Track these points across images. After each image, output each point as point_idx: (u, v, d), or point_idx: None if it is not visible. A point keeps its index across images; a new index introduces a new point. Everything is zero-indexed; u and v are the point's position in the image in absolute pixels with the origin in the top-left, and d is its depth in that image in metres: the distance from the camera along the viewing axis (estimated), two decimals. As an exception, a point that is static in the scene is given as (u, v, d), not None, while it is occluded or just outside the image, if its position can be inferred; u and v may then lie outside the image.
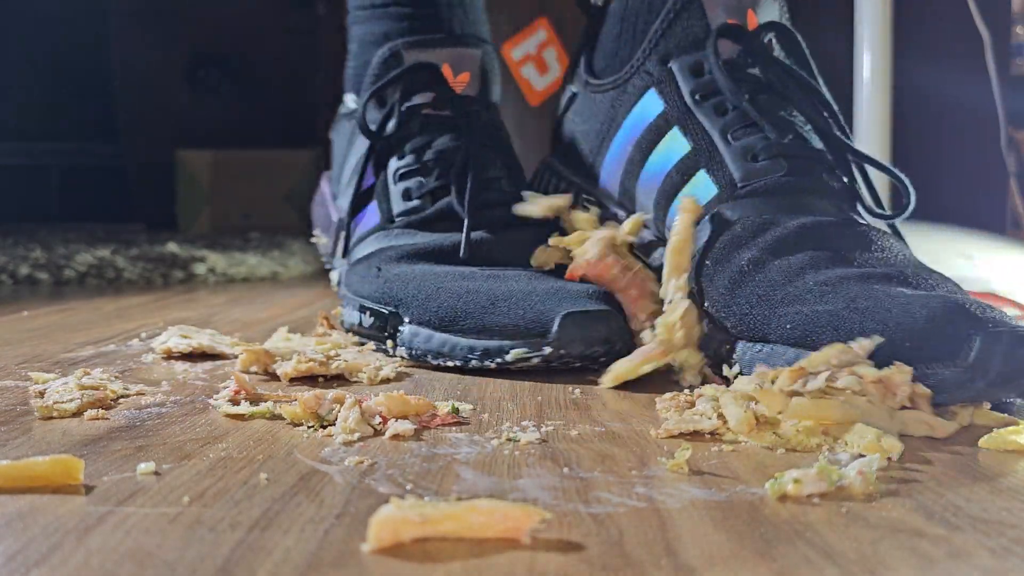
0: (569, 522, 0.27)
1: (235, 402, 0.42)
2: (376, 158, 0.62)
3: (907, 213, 0.51)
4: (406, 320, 0.53)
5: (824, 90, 0.52)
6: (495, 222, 0.58)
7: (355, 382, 0.49)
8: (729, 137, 0.51)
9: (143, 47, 1.95)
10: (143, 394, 0.45)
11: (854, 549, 0.25)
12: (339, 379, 0.49)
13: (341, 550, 0.25)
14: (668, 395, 0.42)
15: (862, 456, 0.34)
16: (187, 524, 0.27)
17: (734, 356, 0.46)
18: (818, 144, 0.51)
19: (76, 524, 0.27)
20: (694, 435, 0.37)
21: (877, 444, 0.34)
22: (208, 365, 0.53)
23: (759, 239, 0.47)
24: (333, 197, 0.72)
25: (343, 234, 0.63)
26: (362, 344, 0.57)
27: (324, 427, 0.38)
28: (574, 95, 0.63)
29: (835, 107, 0.52)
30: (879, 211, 0.51)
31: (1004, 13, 1.18)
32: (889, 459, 0.34)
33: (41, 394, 0.43)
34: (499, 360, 0.48)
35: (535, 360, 0.48)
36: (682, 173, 0.52)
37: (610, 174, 0.58)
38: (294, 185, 1.81)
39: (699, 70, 0.53)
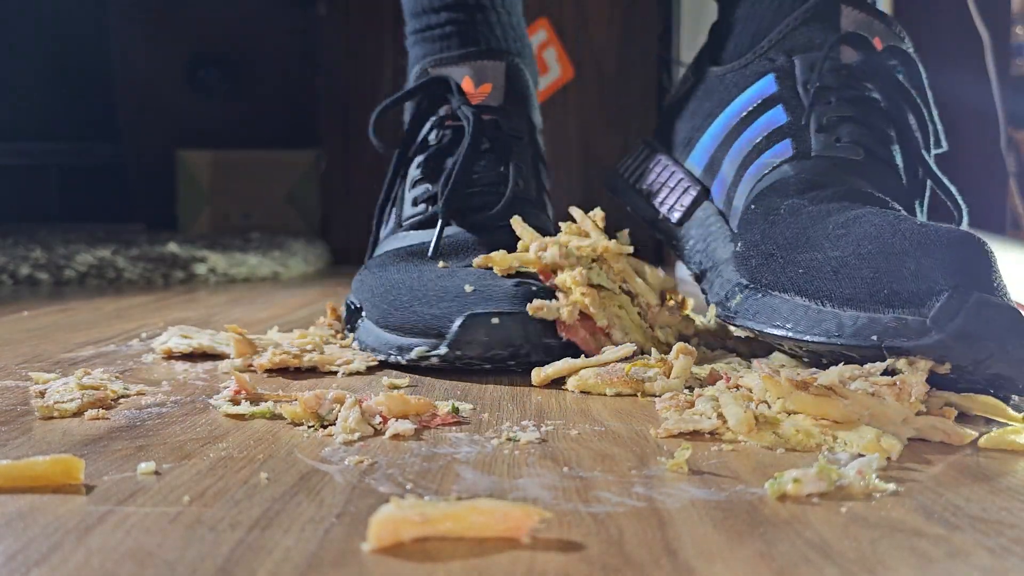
0: (569, 522, 0.27)
1: (235, 402, 0.42)
2: (395, 167, 0.65)
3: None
4: (363, 315, 0.57)
5: (933, 121, 0.56)
6: (478, 224, 0.59)
7: (328, 374, 0.51)
8: (824, 121, 0.54)
9: (144, 47, 1.95)
10: (143, 394, 0.45)
11: (853, 548, 0.25)
12: (313, 371, 0.52)
13: (341, 549, 0.25)
14: (668, 395, 0.42)
15: (861, 456, 0.34)
16: (187, 524, 0.27)
17: (734, 301, 0.50)
18: (898, 158, 0.54)
19: (76, 524, 0.27)
20: (694, 435, 0.38)
21: (876, 444, 0.34)
22: (208, 365, 0.53)
23: (806, 193, 0.51)
24: None
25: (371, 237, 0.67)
26: (345, 337, 0.60)
27: (324, 427, 0.38)
28: (693, 83, 0.65)
29: (936, 138, 0.56)
30: None
31: (1004, 13, 1.18)
32: (889, 459, 0.34)
33: (41, 394, 0.43)
34: (408, 357, 0.50)
35: (433, 359, 0.49)
36: (770, 140, 0.56)
37: (705, 146, 0.61)
38: (294, 185, 1.81)
39: (815, 66, 0.57)
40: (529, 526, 0.26)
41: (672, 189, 0.62)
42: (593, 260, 0.53)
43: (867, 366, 0.39)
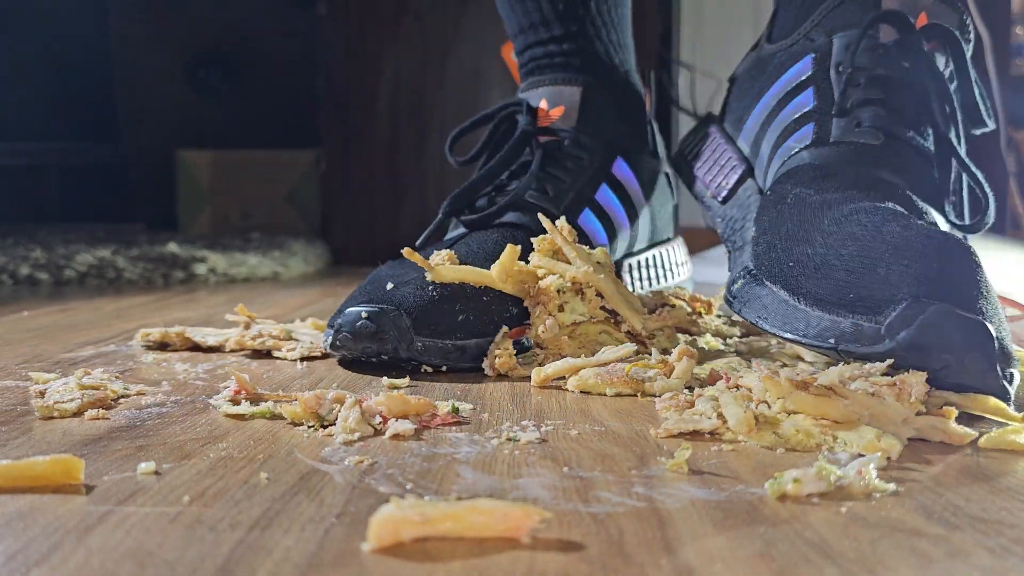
0: (569, 522, 0.27)
1: (235, 402, 0.42)
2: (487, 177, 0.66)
3: (981, 229, 0.53)
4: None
5: (978, 101, 0.54)
6: (475, 223, 0.60)
7: (279, 358, 0.56)
8: (848, 104, 0.54)
9: (144, 47, 1.95)
10: (143, 394, 0.45)
11: (853, 548, 0.25)
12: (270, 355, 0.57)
13: (341, 550, 0.25)
14: (668, 395, 0.42)
15: (861, 456, 0.34)
16: (187, 524, 0.27)
17: (736, 285, 0.51)
18: (929, 143, 0.53)
19: (76, 524, 0.27)
20: (694, 435, 0.38)
21: (876, 444, 0.34)
22: (208, 365, 0.53)
23: (815, 183, 0.51)
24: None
25: None
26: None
27: (324, 427, 0.38)
28: (752, 60, 0.65)
29: (983, 117, 0.54)
30: (955, 219, 0.52)
31: (1004, 13, 1.18)
32: (888, 459, 0.34)
33: (42, 394, 0.43)
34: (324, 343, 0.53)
35: (327, 347, 0.53)
36: (798, 124, 0.56)
37: (750, 126, 0.63)
38: (295, 185, 1.81)
39: (850, 47, 0.56)
40: (529, 526, 0.26)
41: (722, 167, 0.63)
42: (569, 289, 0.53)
43: (867, 366, 0.39)
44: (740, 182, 0.61)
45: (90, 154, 2.12)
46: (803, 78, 0.57)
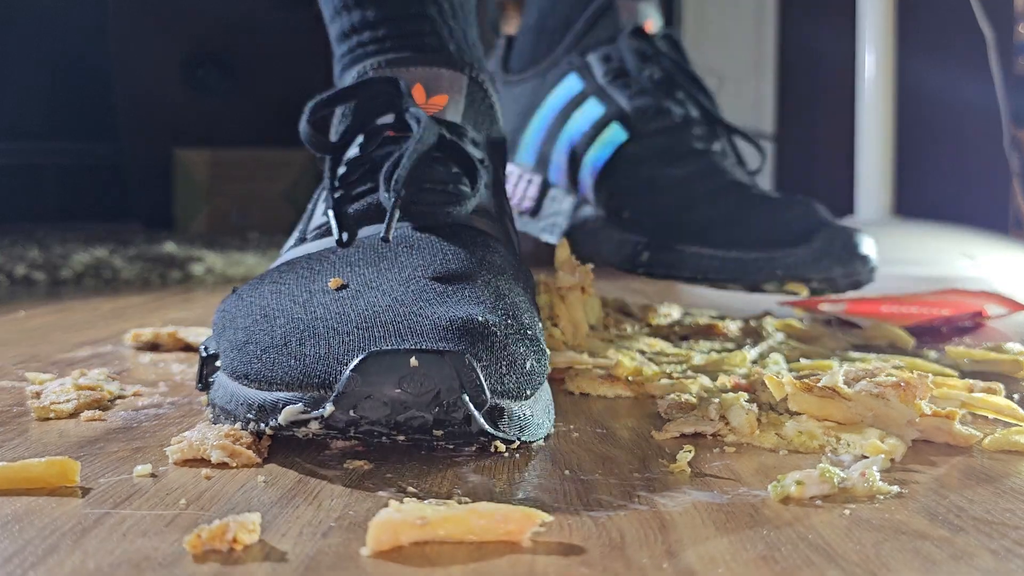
0: (570, 525, 0.27)
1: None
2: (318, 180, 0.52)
3: (759, 170, 0.69)
4: (218, 364, 0.39)
5: (702, 81, 0.70)
6: (428, 223, 0.43)
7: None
8: (634, 101, 0.68)
9: (141, 45, 1.95)
10: (140, 395, 0.45)
11: (857, 551, 0.25)
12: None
13: (340, 554, 0.25)
14: (670, 397, 0.41)
15: (865, 457, 0.34)
16: (184, 527, 0.27)
17: (642, 258, 0.63)
18: (695, 113, 0.69)
19: (72, 527, 0.27)
20: (696, 437, 0.37)
21: (880, 445, 0.34)
22: (206, 365, 0.53)
23: (661, 164, 0.65)
24: None
25: None
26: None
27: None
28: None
29: (711, 94, 0.70)
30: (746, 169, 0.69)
31: (1007, 12, 1.18)
32: (892, 461, 0.34)
33: (38, 395, 0.43)
34: (272, 423, 0.33)
35: (313, 425, 0.32)
36: (597, 129, 0.68)
37: (530, 144, 0.73)
38: (292, 184, 1.81)
39: (609, 59, 0.70)
40: (529, 529, 0.26)
41: (515, 185, 0.73)
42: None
43: (872, 367, 0.39)
44: (543, 191, 0.71)
45: (87, 153, 2.12)
46: (577, 93, 0.70)
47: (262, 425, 0.34)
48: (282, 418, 0.32)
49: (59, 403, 0.41)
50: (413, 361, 0.31)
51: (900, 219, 1.11)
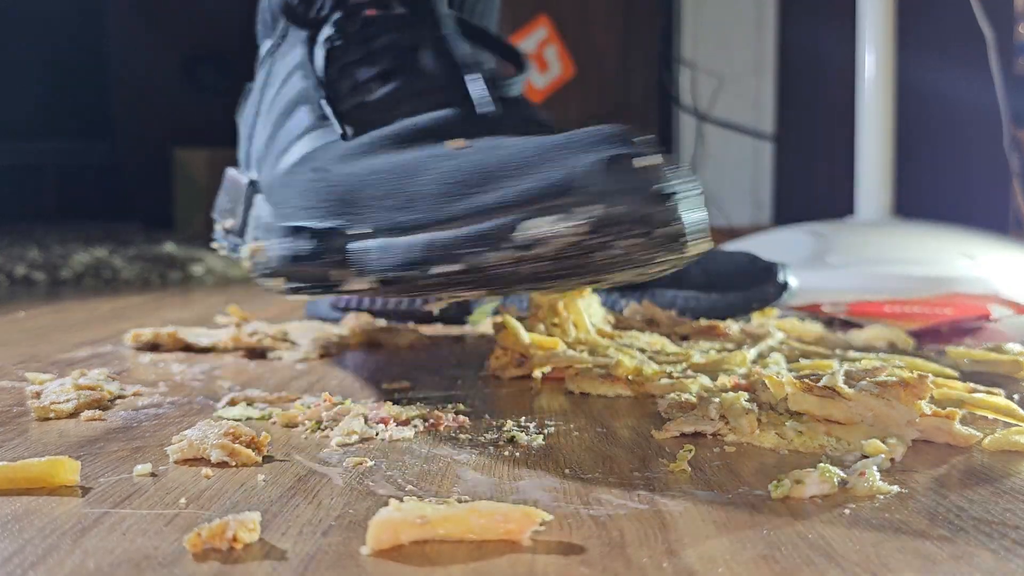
0: (570, 524, 0.27)
1: (233, 403, 0.42)
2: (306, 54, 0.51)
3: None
4: (364, 231, 0.37)
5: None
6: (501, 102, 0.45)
7: (275, 359, 0.55)
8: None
9: (140, 46, 1.95)
10: (140, 395, 0.45)
11: (856, 551, 0.25)
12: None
13: (340, 552, 0.25)
14: (670, 396, 0.41)
15: (865, 457, 0.34)
16: (184, 526, 0.27)
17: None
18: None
19: (72, 526, 0.27)
20: (696, 436, 0.37)
21: (880, 445, 0.34)
22: (205, 366, 0.53)
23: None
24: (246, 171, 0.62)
25: (251, 192, 0.52)
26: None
27: (323, 428, 0.38)
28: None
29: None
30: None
31: (1007, 12, 1.18)
32: (892, 460, 0.34)
33: (38, 395, 0.43)
34: (510, 239, 0.32)
35: (569, 226, 0.31)
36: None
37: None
38: (292, 184, 1.81)
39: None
40: (529, 528, 0.26)
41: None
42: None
43: (872, 367, 0.39)
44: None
45: (87, 153, 2.12)
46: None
47: (488, 253, 0.33)
48: (530, 229, 0.31)
49: (59, 403, 0.41)
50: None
51: (900, 219, 1.11)
